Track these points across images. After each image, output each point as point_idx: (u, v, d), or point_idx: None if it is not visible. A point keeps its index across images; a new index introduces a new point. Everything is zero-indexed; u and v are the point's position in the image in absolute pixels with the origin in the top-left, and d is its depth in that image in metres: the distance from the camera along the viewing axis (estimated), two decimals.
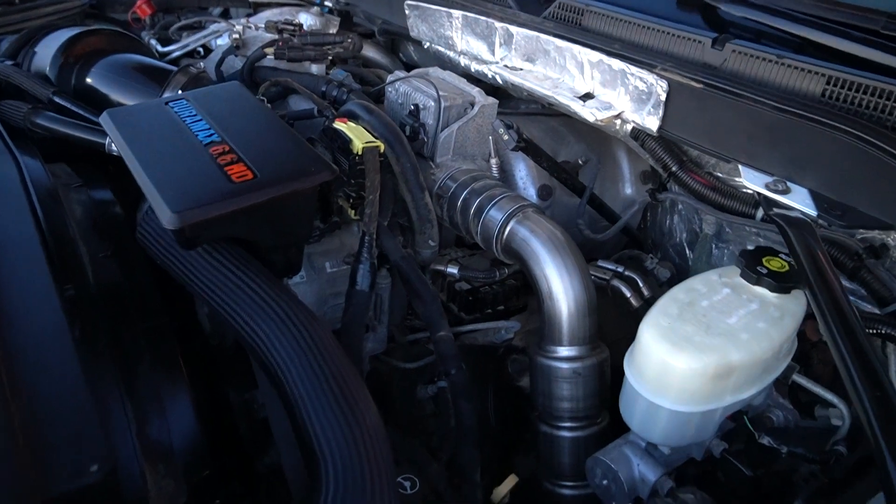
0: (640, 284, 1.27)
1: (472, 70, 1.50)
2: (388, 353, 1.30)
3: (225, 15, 2.35)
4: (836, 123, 0.92)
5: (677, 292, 0.96)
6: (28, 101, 1.37)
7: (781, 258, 0.97)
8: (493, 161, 1.31)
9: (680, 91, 1.08)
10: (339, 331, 1.05)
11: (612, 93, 1.18)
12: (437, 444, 1.28)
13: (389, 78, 1.35)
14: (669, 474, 0.95)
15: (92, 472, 0.74)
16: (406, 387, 1.31)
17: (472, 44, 1.47)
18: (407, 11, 1.64)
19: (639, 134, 1.23)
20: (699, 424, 0.92)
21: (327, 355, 0.84)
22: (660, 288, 1.29)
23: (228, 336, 1.20)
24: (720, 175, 1.24)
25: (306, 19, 1.96)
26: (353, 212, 1.15)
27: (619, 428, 1.02)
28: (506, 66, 1.40)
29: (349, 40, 1.54)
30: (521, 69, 1.36)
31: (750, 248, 1.01)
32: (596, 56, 1.18)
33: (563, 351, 1.07)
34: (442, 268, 1.27)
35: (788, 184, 1.00)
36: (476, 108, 1.25)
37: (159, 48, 1.94)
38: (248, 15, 2.06)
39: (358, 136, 1.10)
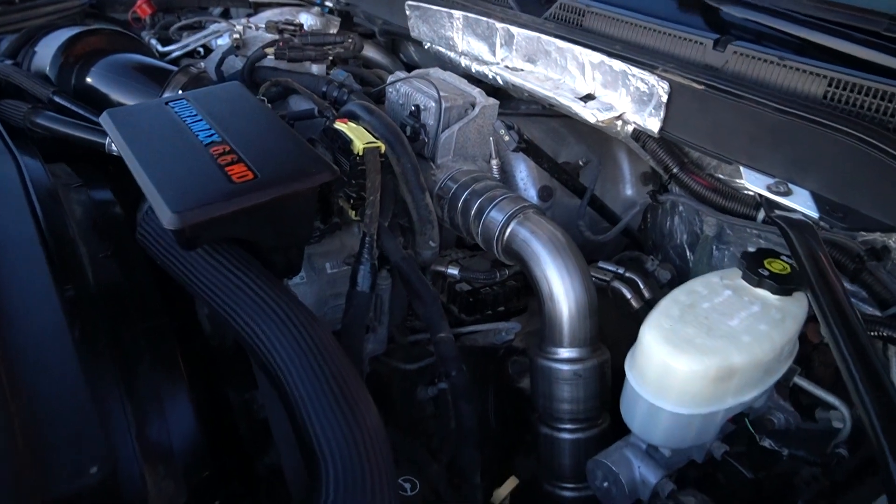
0: (641, 286, 1.27)
1: (473, 71, 1.50)
2: (388, 355, 1.30)
3: (225, 15, 2.34)
4: (837, 125, 0.93)
5: (678, 294, 0.96)
6: (28, 101, 1.37)
7: (783, 260, 0.97)
8: (494, 162, 1.31)
9: (681, 92, 1.08)
10: (340, 332, 1.05)
11: (613, 94, 1.18)
12: (438, 445, 1.28)
13: (390, 78, 1.34)
14: (670, 476, 0.95)
15: (92, 473, 0.74)
16: (406, 388, 1.31)
17: (473, 44, 1.47)
18: (408, 12, 1.64)
19: (640, 135, 1.23)
20: (700, 426, 0.92)
21: (327, 356, 0.84)
22: (660, 289, 1.29)
23: (228, 337, 1.20)
24: (721, 177, 1.24)
25: (307, 19, 1.96)
26: (353, 212, 1.14)
27: (619, 430, 1.02)
28: (507, 66, 1.39)
29: (350, 41, 1.54)
30: (522, 70, 1.36)
31: (751, 249, 1.01)
32: (597, 57, 1.18)
33: (564, 352, 1.07)
34: (442, 269, 1.27)
35: (790, 185, 1.00)
36: (477, 109, 1.25)
37: (159, 48, 1.93)
38: (249, 15, 2.06)
39: (359, 137, 1.10)
